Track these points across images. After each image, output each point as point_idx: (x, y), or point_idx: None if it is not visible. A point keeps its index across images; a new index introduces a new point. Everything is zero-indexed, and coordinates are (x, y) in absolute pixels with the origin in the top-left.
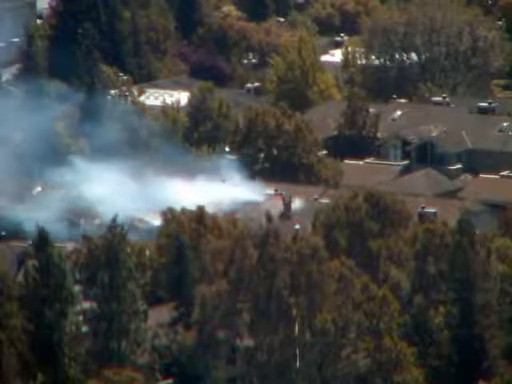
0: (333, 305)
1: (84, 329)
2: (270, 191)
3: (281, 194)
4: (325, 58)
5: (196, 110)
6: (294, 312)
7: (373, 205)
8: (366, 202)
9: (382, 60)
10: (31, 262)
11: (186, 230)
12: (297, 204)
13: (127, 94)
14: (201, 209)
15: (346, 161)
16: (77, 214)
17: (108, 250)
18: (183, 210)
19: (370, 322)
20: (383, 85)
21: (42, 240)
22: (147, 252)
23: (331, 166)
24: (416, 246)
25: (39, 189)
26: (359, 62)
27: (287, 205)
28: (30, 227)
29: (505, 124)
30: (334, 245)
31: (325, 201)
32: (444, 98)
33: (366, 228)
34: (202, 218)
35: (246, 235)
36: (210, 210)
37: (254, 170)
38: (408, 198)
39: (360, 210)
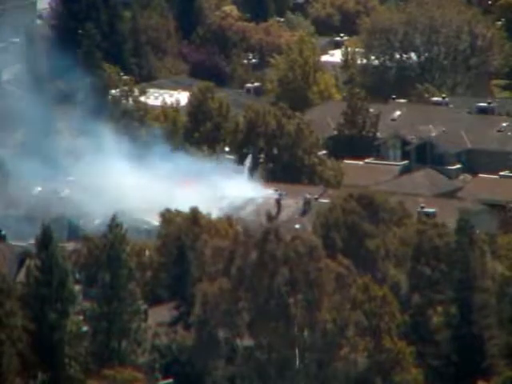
0: (331, 304)
1: (84, 328)
2: (270, 191)
3: (280, 194)
4: (324, 58)
5: (196, 109)
6: (294, 311)
7: (365, 206)
8: (359, 204)
9: (381, 60)
10: (33, 261)
11: (183, 231)
12: (297, 204)
13: (129, 93)
14: (194, 210)
15: (346, 161)
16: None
17: (109, 249)
18: (177, 212)
19: (370, 322)
20: (383, 85)
21: (46, 239)
22: (147, 252)
23: (332, 166)
24: (410, 246)
25: (39, 189)
26: (359, 62)
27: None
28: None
29: (504, 124)
30: (333, 245)
31: (325, 201)
32: (443, 98)
33: (360, 229)
34: (197, 219)
35: (245, 234)
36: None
37: (254, 170)
38: (407, 197)
39: (354, 211)
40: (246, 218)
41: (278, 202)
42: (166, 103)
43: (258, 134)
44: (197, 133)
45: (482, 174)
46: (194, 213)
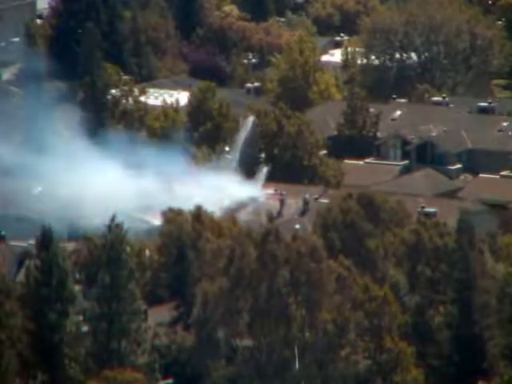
0: (332, 304)
1: (84, 329)
2: (270, 191)
3: (281, 194)
4: (324, 57)
5: (196, 109)
6: (294, 311)
7: (365, 206)
8: (359, 204)
9: (381, 60)
10: (33, 262)
11: (185, 230)
12: (297, 204)
13: (129, 93)
14: (198, 208)
15: (346, 161)
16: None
17: (109, 249)
18: (179, 212)
19: (371, 322)
20: (383, 85)
21: (46, 239)
22: (147, 252)
23: (332, 166)
24: (408, 246)
25: (39, 188)
26: (359, 61)
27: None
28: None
29: (504, 124)
30: (332, 245)
31: (325, 201)
32: (444, 97)
33: (360, 229)
34: (200, 218)
35: (245, 234)
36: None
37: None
38: (407, 197)
39: (353, 211)
40: (246, 217)
41: (281, 201)
42: (166, 103)
43: (258, 134)
44: (197, 133)
45: (482, 173)
46: (198, 210)
